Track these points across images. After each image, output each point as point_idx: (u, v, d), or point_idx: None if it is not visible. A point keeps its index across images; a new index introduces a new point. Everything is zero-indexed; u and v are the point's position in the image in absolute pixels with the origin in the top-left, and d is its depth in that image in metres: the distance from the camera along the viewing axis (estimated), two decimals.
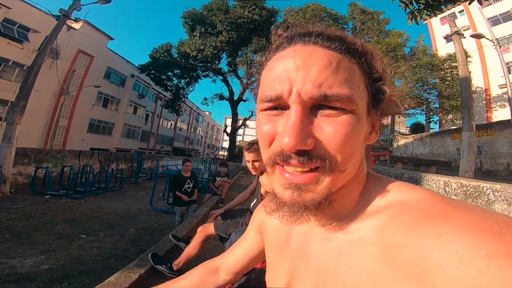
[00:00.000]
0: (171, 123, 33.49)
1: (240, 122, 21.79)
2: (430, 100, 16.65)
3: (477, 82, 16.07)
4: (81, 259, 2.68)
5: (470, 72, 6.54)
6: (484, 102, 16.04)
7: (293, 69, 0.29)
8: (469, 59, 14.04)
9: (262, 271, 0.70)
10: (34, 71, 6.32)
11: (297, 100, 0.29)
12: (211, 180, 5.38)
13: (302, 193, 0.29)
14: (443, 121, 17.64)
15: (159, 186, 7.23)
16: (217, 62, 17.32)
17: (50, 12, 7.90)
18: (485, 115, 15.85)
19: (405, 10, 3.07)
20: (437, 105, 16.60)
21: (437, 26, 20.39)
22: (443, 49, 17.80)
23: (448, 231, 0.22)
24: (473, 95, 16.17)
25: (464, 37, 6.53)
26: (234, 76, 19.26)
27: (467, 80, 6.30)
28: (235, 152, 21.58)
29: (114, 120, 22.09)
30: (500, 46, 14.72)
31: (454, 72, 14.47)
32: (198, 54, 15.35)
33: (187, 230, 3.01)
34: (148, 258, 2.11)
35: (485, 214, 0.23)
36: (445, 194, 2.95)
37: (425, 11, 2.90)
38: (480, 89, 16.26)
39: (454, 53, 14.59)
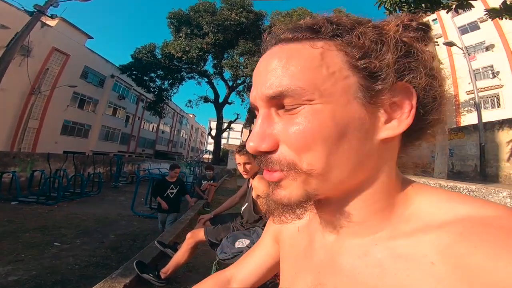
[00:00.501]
0: (153, 126, 32.44)
1: (225, 125, 21.63)
2: None
3: (447, 88, 17.33)
4: (55, 268, 2.46)
5: None
6: (454, 107, 17.33)
7: (257, 74, 0.29)
8: (440, 66, 15.17)
9: (275, 285, 0.62)
10: (0, 69, 5.83)
11: (258, 104, 0.29)
12: (196, 183, 5.25)
13: (277, 189, 0.28)
14: None
15: (141, 191, 6.91)
16: (202, 64, 17.13)
17: (23, 7, 7.30)
18: (454, 120, 17.11)
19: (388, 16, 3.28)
20: None
21: None
22: None
23: None
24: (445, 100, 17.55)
25: (438, 45, 7.04)
26: (220, 79, 19.18)
27: None
28: (220, 155, 21.33)
29: (91, 122, 20.93)
30: (469, 54, 16.14)
31: None
32: (183, 56, 15.09)
33: (173, 235, 2.90)
34: (133, 266, 1.98)
35: None
36: None
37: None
38: (450, 95, 17.46)
39: None
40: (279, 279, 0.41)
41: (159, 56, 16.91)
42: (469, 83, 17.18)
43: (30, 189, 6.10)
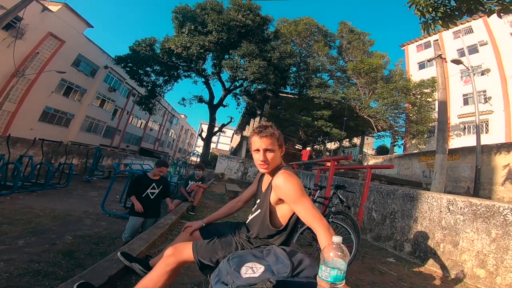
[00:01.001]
0: (142, 122, 31.28)
1: (217, 128, 21.04)
2: (398, 124, 17.88)
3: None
4: None
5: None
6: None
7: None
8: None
9: None
10: None
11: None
12: (183, 183, 4.63)
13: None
14: (407, 145, 18.99)
15: (117, 187, 6.17)
16: (201, 62, 16.64)
17: None
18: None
19: (420, 18, 2.97)
20: (404, 129, 17.86)
21: (413, 52, 22.38)
22: (416, 75, 19.49)
23: None
24: (434, 123, 17.89)
25: (446, 62, 6.95)
26: (217, 80, 18.69)
27: (444, 104, 6.62)
28: (209, 158, 20.58)
29: (75, 111, 19.75)
30: (474, 74, 16.56)
31: (423, 98, 15.74)
32: (183, 51, 14.57)
33: (146, 244, 2.26)
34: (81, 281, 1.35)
35: None
36: (449, 214, 2.70)
37: (440, 21, 2.79)
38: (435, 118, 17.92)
39: (427, 79, 16.08)
40: None
41: (158, 51, 16.32)
42: (461, 107, 17.73)
43: None
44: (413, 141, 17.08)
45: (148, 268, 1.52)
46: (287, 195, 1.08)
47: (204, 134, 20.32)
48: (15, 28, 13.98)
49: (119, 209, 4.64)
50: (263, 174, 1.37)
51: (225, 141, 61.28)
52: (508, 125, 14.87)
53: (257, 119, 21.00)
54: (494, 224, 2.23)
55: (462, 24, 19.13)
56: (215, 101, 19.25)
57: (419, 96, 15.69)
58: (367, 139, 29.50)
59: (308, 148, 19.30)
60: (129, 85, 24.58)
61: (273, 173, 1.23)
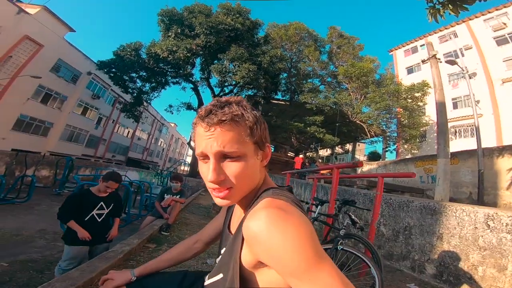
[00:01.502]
0: (129, 131, 30.08)
1: None
2: (390, 129, 17.77)
3: (432, 115, 17.78)
4: None
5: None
6: (435, 134, 17.66)
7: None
8: (428, 90, 15.46)
9: None
10: None
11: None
12: (157, 197, 3.92)
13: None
14: (400, 150, 18.86)
15: None
16: (189, 68, 16.07)
17: None
18: (435, 147, 17.36)
19: (427, 2, 2.54)
20: (396, 134, 17.75)
21: (401, 57, 22.82)
22: (405, 79, 19.69)
23: None
24: (426, 127, 17.91)
25: (441, 62, 6.67)
26: (206, 86, 18.15)
27: (443, 105, 6.28)
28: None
29: (54, 119, 18.55)
30: (461, 78, 16.73)
31: (414, 102, 15.69)
32: (169, 56, 13.96)
33: (85, 279, 1.57)
34: None
35: None
36: (489, 231, 2.14)
37: (450, 5, 2.34)
38: (432, 122, 17.98)
39: (418, 83, 16.09)
40: None
41: (144, 56, 15.65)
42: (450, 111, 17.85)
43: None
44: (406, 146, 16.93)
45: None
46: (277, 261, 0.45)
47: (193, 143, 19.53)
48: None
49: None
50: None
51: None
52: (498, 128, 14.97)
53: None
54: None
55: (446, 28, 19.66)
56: None
57: (410, 100, 15.66)
58: (359, 145, 29.47)
59: (301, 156, 18.79)
60: (115, 92, 23.61)
61: (247, 203, 0.63)
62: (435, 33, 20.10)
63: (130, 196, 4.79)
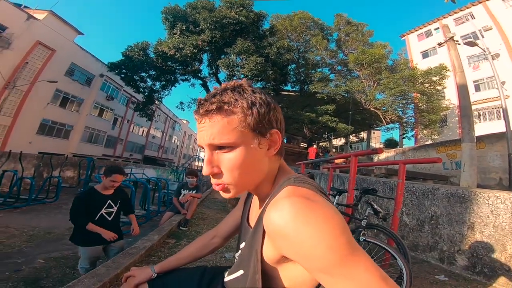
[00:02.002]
0: (144, 130, 30.92)
1: None
2: (407, 114, 16.99)
3: (453, 99, 16.79)
4: None
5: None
6: (457, 118, 16.71)
7: None
8: (447, 74, 14.56)
9: None
10: None
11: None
12: (175, 193, 3.99)
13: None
14: (418, 136, 18.03)
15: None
16: (197, 64, 16.09)
17: None
18: (457, 131, 16.44)
19: None
20: (413, 120, 16.96)
21: (414, 42, 21.67)
22: (420, 64, 18.68)
23: None
24: (446, 111, 16.95)
25: (460, 44, 6.20)
26: (215, 81, 18.14)
27: (465, 88, 5.87)
28: None
29: (74, 122, 19.40)
30: (482, 60, 15.63)
31: (432, 86, 14.86)
32: (176, 53, 14.03)
33: (115, 271, 1.62)
34: None
35: None
36: None
37: None
38: (453, 106, 16.98)
39: (435, 66, 15.22)
40: None
41: (152, 55, 15.83)
42: (473, 94, 16.76)
43: None
44: (425, 131, 16.15)
45: None
46: (306, 256, 0.41)
47: None
48: (2, 38, 13.67)
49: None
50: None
51: None
52: None
53: None
54: None
55: (461, 10, 18.30)
56: None
57: (427, 85, 14.81)
58: (374, 133, 28.50)
59: (314, 146, 18.49)
60: (127, 92, 24.23)
61: (264, 193, 0.59)
62: (450, 15, 18.89)
63: (148, 193, 4.92)
